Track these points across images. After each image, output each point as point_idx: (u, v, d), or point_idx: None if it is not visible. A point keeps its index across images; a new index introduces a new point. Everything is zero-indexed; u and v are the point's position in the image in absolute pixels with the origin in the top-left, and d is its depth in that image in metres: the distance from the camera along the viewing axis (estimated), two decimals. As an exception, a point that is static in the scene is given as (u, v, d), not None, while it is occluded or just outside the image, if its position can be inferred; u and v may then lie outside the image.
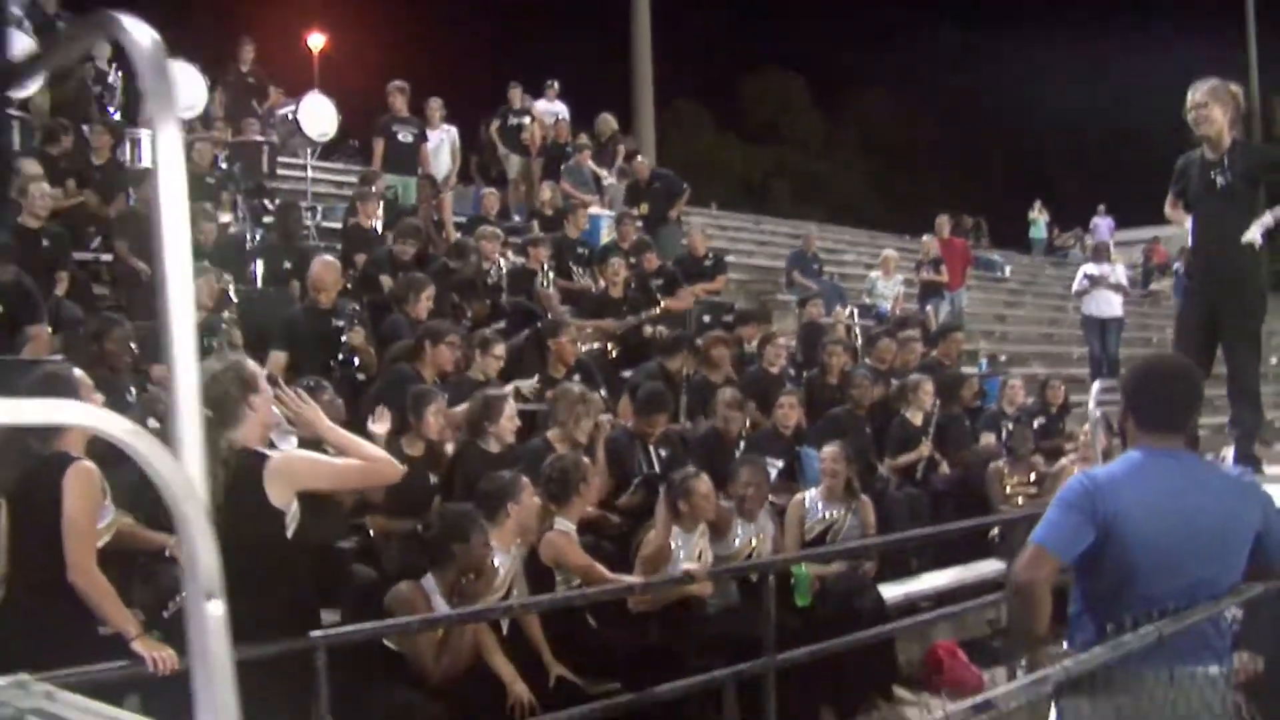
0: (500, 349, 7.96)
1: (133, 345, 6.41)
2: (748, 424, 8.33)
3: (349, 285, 9.13)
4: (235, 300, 8.20)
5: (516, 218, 14.94)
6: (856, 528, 7.25)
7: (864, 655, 6.43)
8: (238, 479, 4.15)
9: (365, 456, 4.34)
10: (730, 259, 17.25)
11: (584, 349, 9.93)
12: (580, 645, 5.73)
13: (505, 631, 5.46)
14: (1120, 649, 3.20)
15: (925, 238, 16.32)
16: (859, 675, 6.58)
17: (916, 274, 16.15)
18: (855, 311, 13.41)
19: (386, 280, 9.59)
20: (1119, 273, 15.21)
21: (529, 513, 5.63)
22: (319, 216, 12.73)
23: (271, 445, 5.10)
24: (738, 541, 6.70)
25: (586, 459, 6.22)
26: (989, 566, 8.02)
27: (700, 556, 6.40)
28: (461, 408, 6.94)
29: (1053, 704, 3.75)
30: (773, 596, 5.75)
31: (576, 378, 8.61)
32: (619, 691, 5.49)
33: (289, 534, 4.26)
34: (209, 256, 8.42)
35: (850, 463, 7.33)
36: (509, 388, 7.41)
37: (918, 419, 9.58)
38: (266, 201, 12.80)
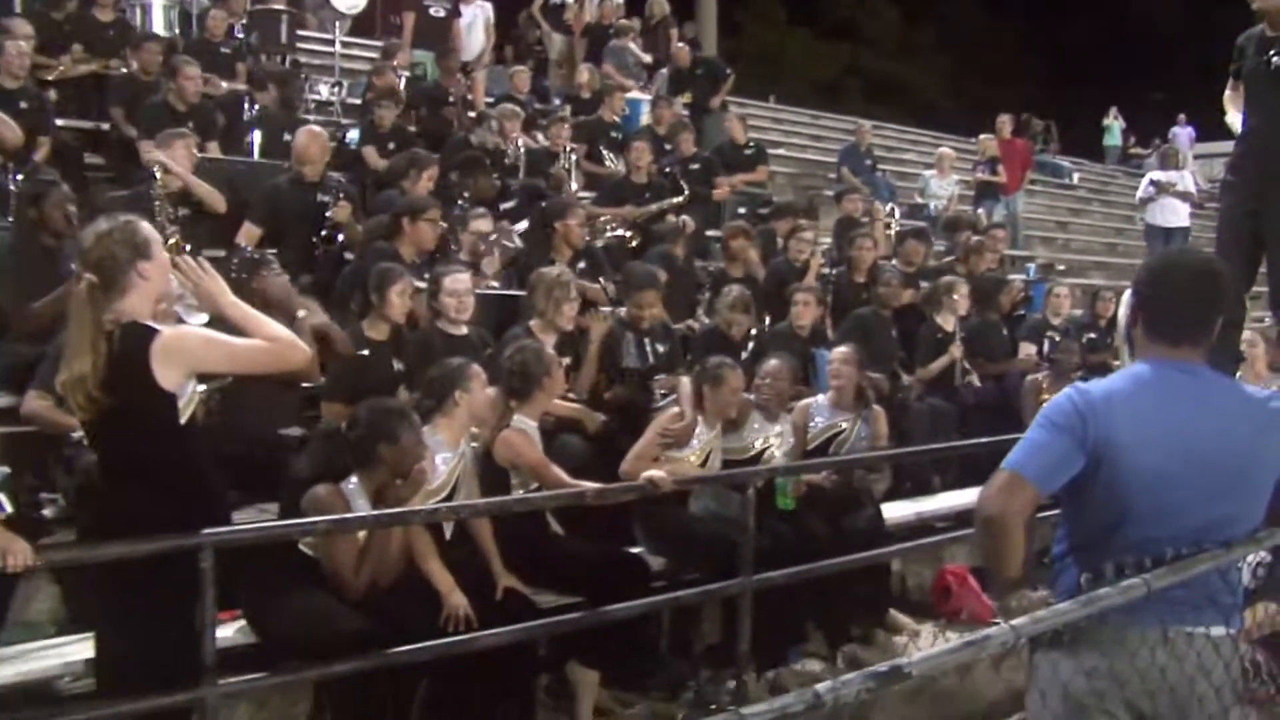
0: (483, 224, 7.34)
1: (71, 209, 5.87)
2: (752, 329, 7.64)
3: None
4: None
5: (557, 101, 14.23)
6: (865, 439, 6.61)
7: (851, 577, 5.84)
8: (122, 356, 3.62)
9: (268, 336, 3.80)
10: (780, 152, 16.53)
11: (605, 236, 9.34)
12: (539, 555, 5.20)
13: (449, 537, 4.96)
14: (1093, 604, 2.58)
15: (983, 136, 15.31)
16: (847, 597, 5.99)
17: (972, 174, 15.21)
18: (896, 209, 12.52)
19: (370, 152, 8.98)
20: (1188, 180, 14.18)
21: (480, 404, 5.08)
22: (344, 92, 12.15)
23: (182, 322, 4.61)
24: (749, 438, 6.12)
25: (552, 351, 5.61)
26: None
27: (709, 457, 5.86)
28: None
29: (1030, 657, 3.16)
30: (752, 511, 5.17)
31: (582, 265, 8.04)
32: (578, 607, 4.98)
33: (183, 419, 3.77)
34: (191, 119, 7.85)
35: (862, 368, 6.66)
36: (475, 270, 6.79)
37: (949, 324, 8.83)
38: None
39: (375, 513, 4.21)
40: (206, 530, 3.73)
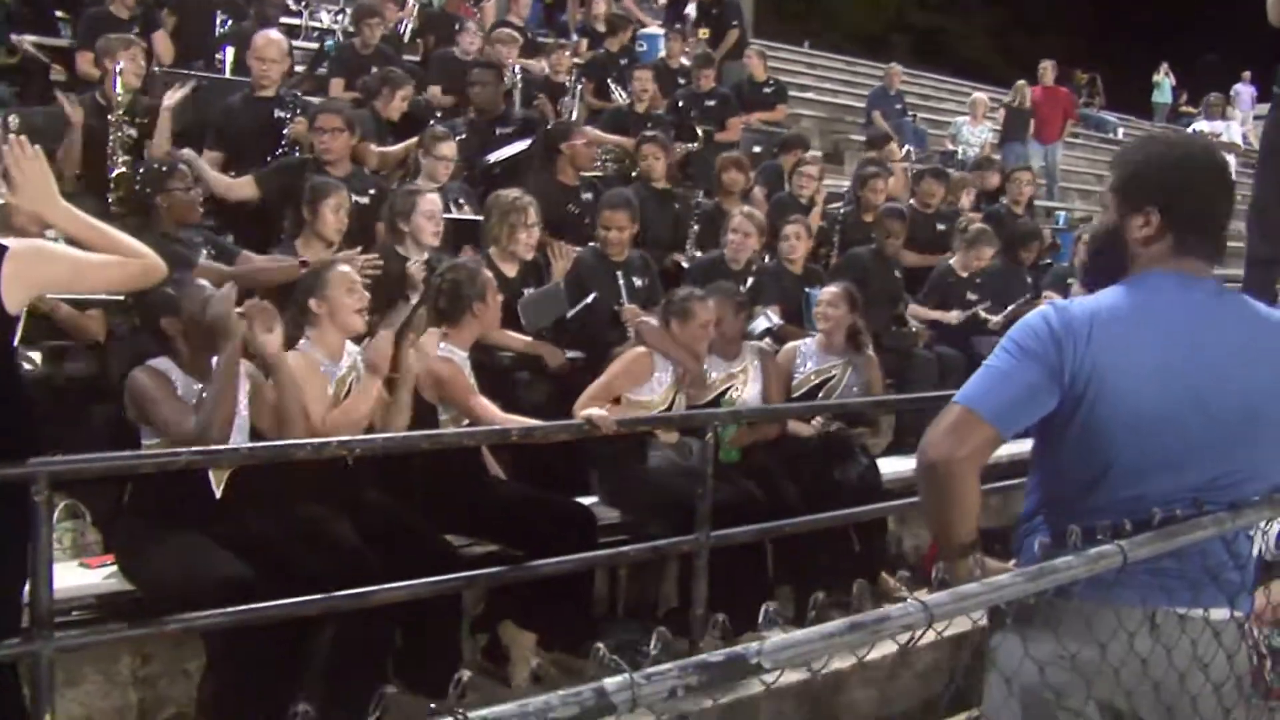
0: (447, 147, 6.71)
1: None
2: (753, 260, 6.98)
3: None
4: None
5: (574, 37, 13.55)
6: (856, 387, 5.95)
7: (835, 536, 5.23)
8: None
9: (120, 249, 3.24)
10: (810, 95, 15.80)
11: (604, 165, 8.73)
12: (472, 501, 4.61)
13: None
14: (1045, 576, 1.94)
15: (1019, 83, 14.44)
16: (830, 558, 5.36)
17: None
18: (912, 150, 11.69)
19: (337, 85, 8.36)
20: (1234, 131, 13.32)
21: (346, 313, 4.46)
22: (347, 20, 11.53)
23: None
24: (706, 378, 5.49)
25: (489, 273, 4.99)
26: (1028, 445, 6.59)
27: (675, 399, 5.24)
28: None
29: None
30: (712, 459, 4.56)
31: (588, 196, 7.43)
32: (513, 560, 4.40)
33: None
34: (136, 25, 7.25)
35: (854, 308, 5.99)
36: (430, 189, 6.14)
37: (964, 269, 8.18)
38: (290, 1, 11.71)
39: (250, 445, 3.61)
40: (38, 459, 3.19)
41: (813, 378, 5.95)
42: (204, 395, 3.77)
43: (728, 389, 5.51)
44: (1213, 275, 2.42)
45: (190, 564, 3.66)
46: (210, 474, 3.87)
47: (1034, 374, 2.29)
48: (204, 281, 3.99)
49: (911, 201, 9.22)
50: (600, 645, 1.57)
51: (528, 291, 5.87)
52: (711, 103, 10.54)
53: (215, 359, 3.79)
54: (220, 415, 3.70)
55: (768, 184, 8.86)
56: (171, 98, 6.50)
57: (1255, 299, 2.50)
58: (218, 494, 3.91)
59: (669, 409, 5.19)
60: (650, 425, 5.07)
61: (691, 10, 14.19)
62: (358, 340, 4.55)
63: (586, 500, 5.04)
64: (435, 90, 9.01)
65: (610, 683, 1.37)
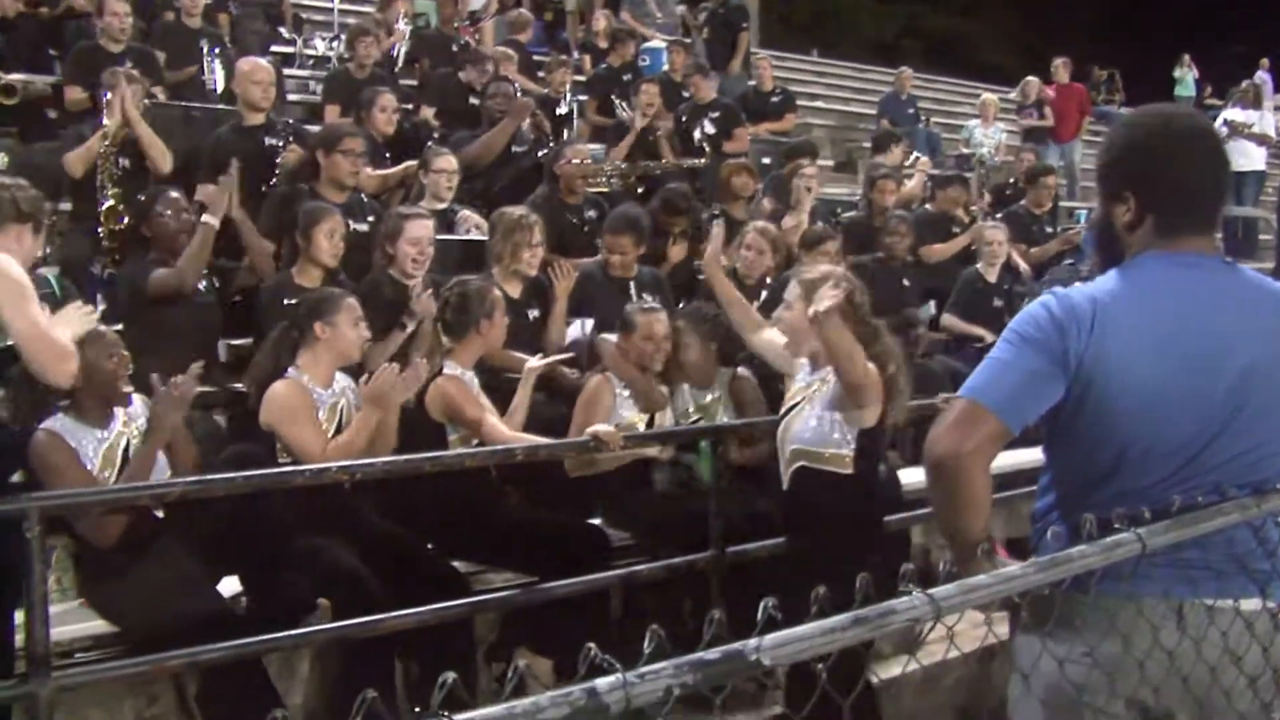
0: (446, 161, 6.73)
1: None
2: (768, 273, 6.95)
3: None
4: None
5: (576, 54, 13.61)
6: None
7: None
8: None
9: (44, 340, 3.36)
10: (819, 104, 15.83)
11: (609, 182, 8.71)
12: (484, 525, 4.60)
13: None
14: (1057, 567, 1.92)
15: (1028, 79, 14.43)
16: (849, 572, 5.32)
17: (1017, 119, 14.38)
18: (920, 156, 11.62)
19: (333, 112, 8.37)
20: (1266, 122, 13.23)
21: (349, 341, 4.50)
22: (342, 47, 11.61)
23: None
24: (678, 407, 5.42)
25: (498, 291, 5.00)
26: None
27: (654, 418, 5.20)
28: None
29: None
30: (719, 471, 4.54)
31: (592, 214, 7.44)
32: (528, 585, 4.41)
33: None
34: (129, 59, 7.30)
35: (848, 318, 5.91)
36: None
37: (991, 274, 8.19)
38: (284, 29, 11.82)
39: (248, 473, 3.61)
40: (31, 494, 3.21)
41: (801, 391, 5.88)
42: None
43: (698, 420, 5.41)
44: (1214, 250, 2.42)
45: (156, 598, 3.64)
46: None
47: (1037, 362, 2.28)
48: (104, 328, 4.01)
49: (928, 206, 9.20)
50: (592, 645, 1.54)
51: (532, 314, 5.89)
52: (715, 114, 10.55)
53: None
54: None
55: (775, 195, 8.86)
56: (143, 126, 6.46)
57: None
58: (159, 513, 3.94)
59: (649, 428, 5.15)
60: (659, 440, 5.04)
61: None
62: (349, 370, 4.57)
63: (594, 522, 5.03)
64: (429, 112, 9.01)
65: (602, 682, 1.36)
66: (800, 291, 4.15)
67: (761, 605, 1.57)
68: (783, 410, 4.32)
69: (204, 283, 5.44)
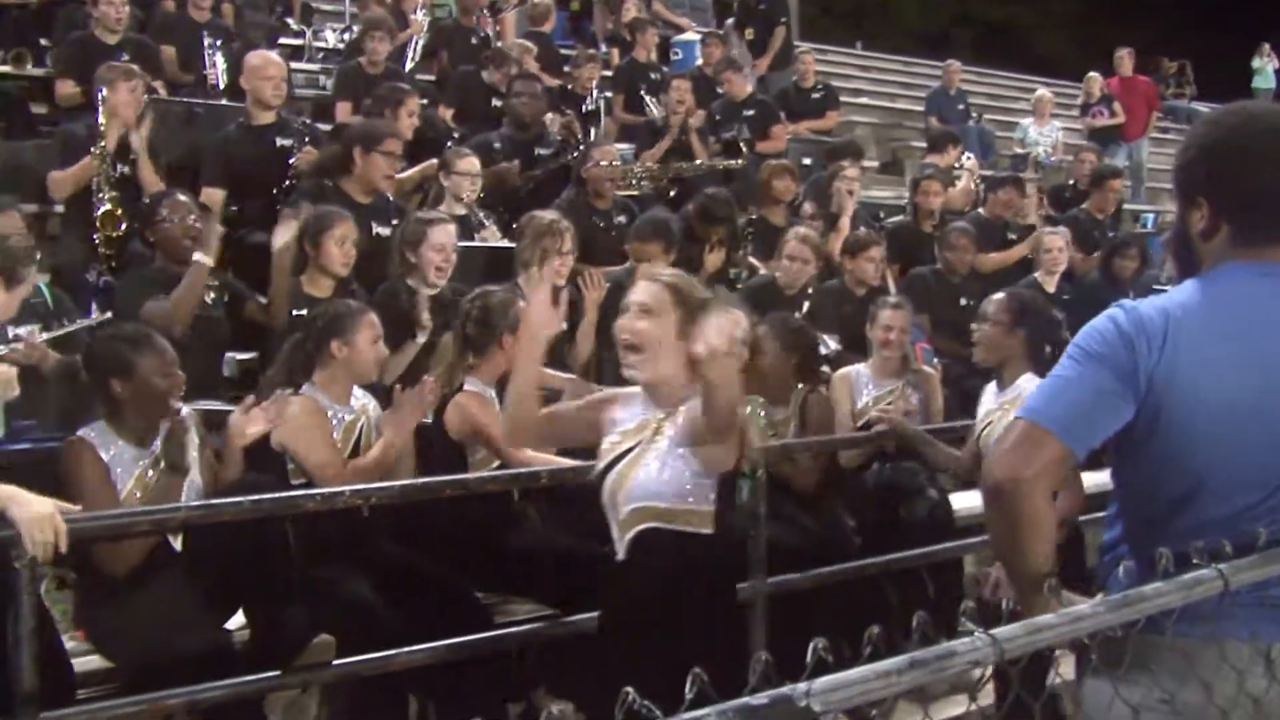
0: (468, 163, 6.78)
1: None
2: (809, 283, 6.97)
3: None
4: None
5: (604, 47, 13.66)
6: (919, 413, 5.88)
7: (901, 580, 5.18)
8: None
9: None
10: (864, 101, 15.81)
11: (639, 185, 8.75)
12: (506, 553, 4.61)
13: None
14: (1130, 606, 1.90)
15: (1090, 75, 14.36)
16: (900, 603, 5.30)
17: (1082, 119, 14.30)
18: (969, 155, 11.51)
19: (345, 109, 8.40)
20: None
21: (366, 361, 4.52)
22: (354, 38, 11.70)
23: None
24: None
25: (523, 303, 5.02)
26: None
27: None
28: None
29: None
30: (764, 497, 4.53)
31: (622, 219, 7.47)
32: (549, 617, 4.41)
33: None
34: (125, 52, 7.35)
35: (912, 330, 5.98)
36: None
37: (1050, 284, 8.21)
38: (291, 20, 11.89)
39: (256, 497, 3.62)
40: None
41: (871, 406, 5.89)
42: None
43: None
44: None
45: (154, 631, 3.66)
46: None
47: (1103, 380, 2.26)
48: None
49: (980, 211, 9.18)
50: (629, 689, 1.49)
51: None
52: (750, 111, 10.54)
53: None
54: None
55: (815, 199, 8.85)
56: (139, 135, 6.48)
57: None
58: (177, 547, 3.93)
59: None
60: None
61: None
62: (366, 385, 4.59)
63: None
64: (447, 112, 9.05)
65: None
66: (671, 300, 3.29)
67: (811, 646, 1.55)
68: (603, 462, 3.42)
69: (211, 295, 5.46)
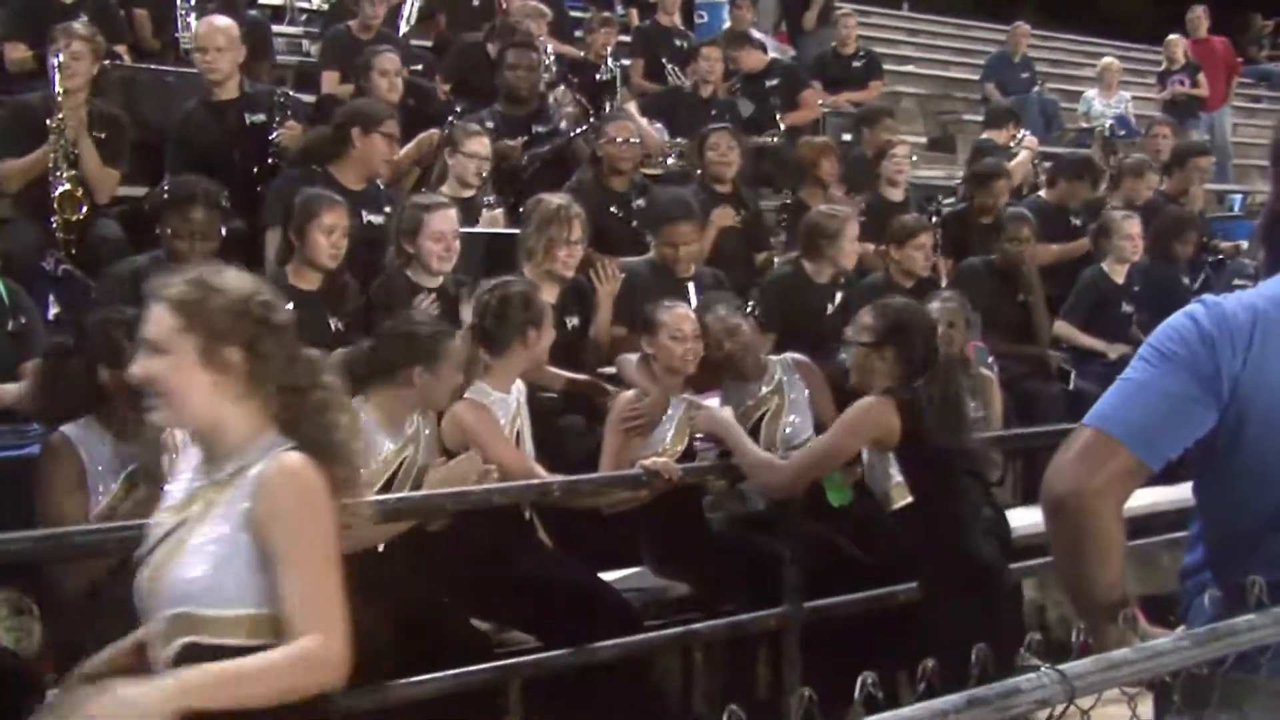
0: (479, 143, 6.79)
1: None
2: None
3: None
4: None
5: (621, 8, 13.67)
6: (977, 421, 5.90)
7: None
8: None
9: None
10: (910, 69, 15.76)
11: (663, 164, 8.81)
12: (509, 579, 4.62)
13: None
14: (1218, 640, 1.88)
15: (1171, 38, 14.30)
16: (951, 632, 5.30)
17: (1159, 88, 14.23)
18: (1025, 132, 11.34)
19: (331, 78, 8.40)
20: None
21: (443, 393, 4.57)
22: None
23: None
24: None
25: (547, 299, 5.03)
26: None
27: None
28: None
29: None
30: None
31: (640, 203, 7.49)
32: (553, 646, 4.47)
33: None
34: (83, 11, 7.32)
35: (966, 329, 6.02)
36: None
37: (1119, 274, 8.16)
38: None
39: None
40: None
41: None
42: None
43: (761, 416, 5.43)
44: None
45: None
46: None
47: (1180, 384, 2.26)
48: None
49: (1042, 194, 9.17)
50: None
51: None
52: (773, 81, 10.50)
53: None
54: None
55: (851, 178, 8.82)
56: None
57: None
58: None
59: (688, 450, 5.19)
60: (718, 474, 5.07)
61: None
62: None
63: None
64: (445, 86, 9.04)
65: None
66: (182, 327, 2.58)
67: (860, 681, 1.55)
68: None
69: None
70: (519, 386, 4.96)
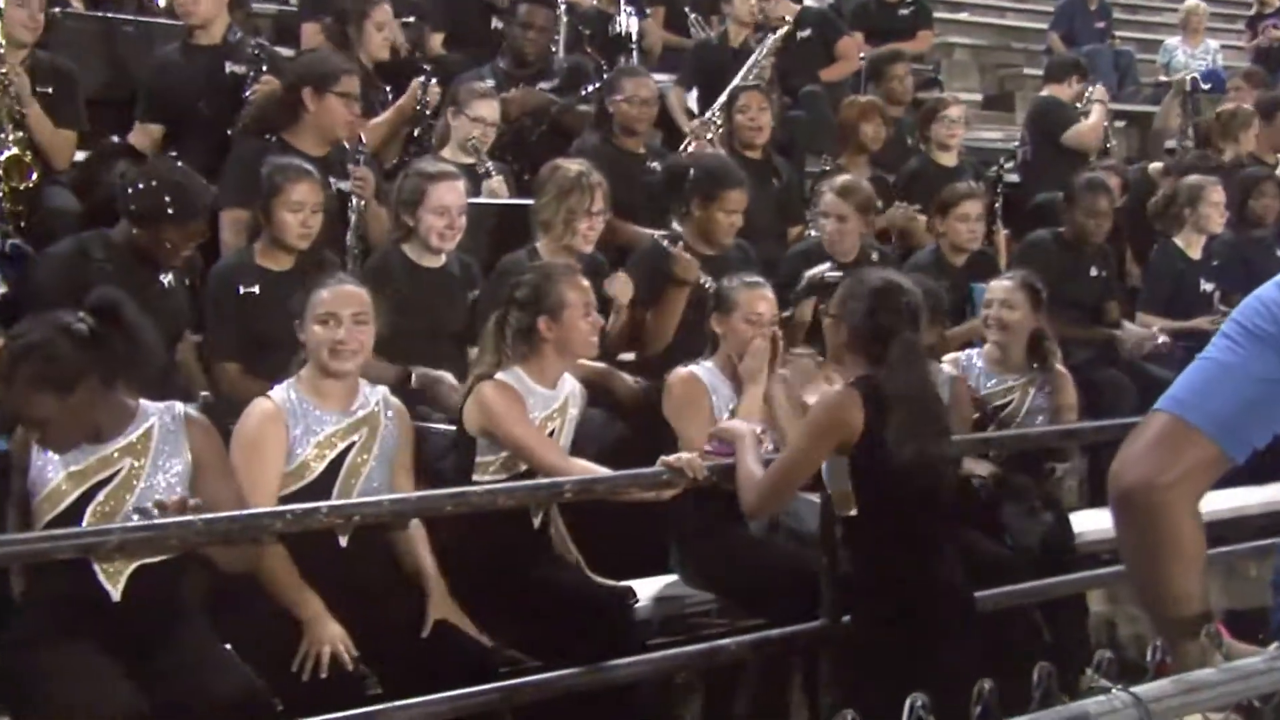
0: (487, 107, 6.83)
1: None
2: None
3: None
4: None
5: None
6: (1041, 415, 6.00)
7: (1010, 622, 5.24)
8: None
9: None
10: (963, 16, 15.68)
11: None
12: (517, 587, 4.67)
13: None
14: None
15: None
16: (1009, 650, 5.33)
17: (1249, 35, 14.17)
18: (1096, 85, 11.20)
19: (311, 30, 8.31)
20: None
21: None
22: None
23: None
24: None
25: (584, 279, 5.07)
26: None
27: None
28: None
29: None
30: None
31: (656, 166, 7.59)
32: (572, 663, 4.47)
33: None
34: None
35: (1038, 308, 6.02)
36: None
37: (1195, 249, 8.20)
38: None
39: (208, 516, 3.65)
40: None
41: (985, 401, 6.01)
42: None
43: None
44: None
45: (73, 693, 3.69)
46: (98, 570, 3.85)
47: (1268, 365, 2.26)
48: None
49: (1112, 160, 9.19)
50: None
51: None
52: (806, 32, 10.37)
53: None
54: None
55: (890, 135, 8.80)
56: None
57: None
58: (115, 595, 3.89)
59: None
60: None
61: None
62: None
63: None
64: (436, 38, 9.04)
65: None
66: None
67: (908, 704, 1.58)
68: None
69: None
70: (572, 387, 5.04)
